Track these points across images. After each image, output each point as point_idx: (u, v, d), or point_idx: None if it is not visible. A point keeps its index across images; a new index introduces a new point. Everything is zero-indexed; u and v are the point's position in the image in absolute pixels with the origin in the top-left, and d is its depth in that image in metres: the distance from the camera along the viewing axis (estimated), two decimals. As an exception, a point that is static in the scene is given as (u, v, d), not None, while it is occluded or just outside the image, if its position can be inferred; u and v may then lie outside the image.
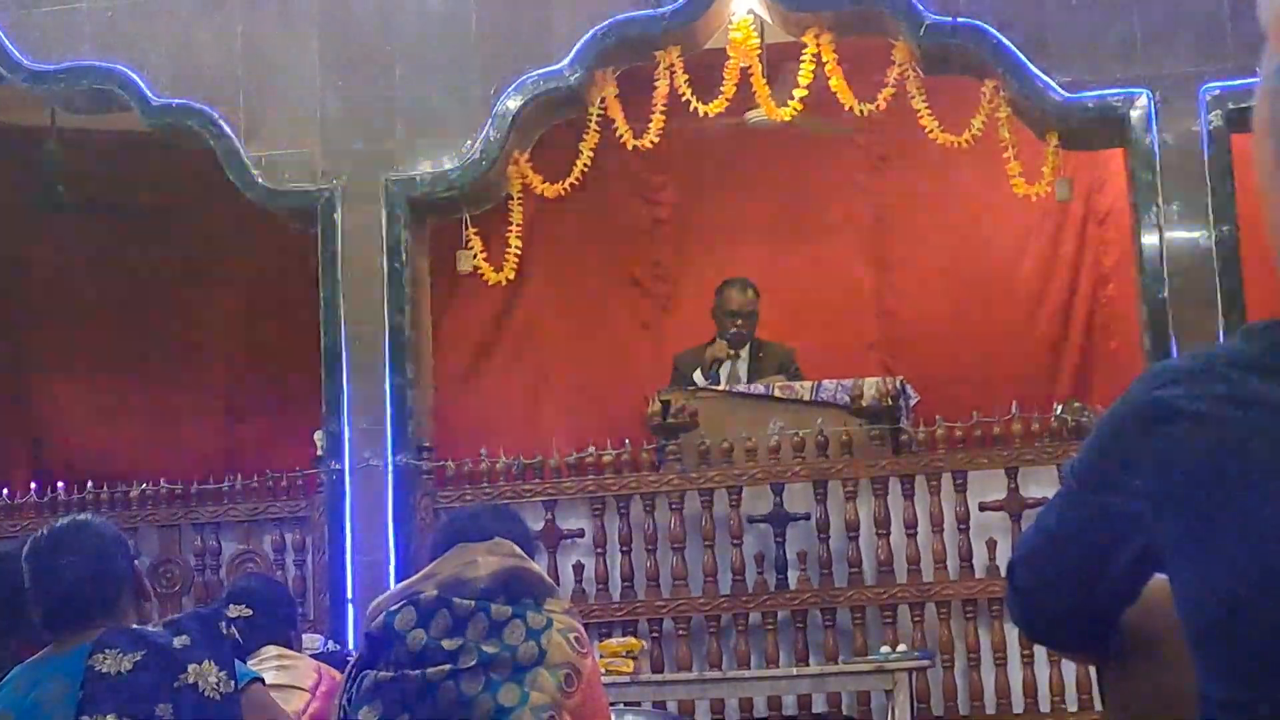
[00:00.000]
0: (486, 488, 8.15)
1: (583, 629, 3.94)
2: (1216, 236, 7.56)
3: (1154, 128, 7.70)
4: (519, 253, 8.41)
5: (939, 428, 7.94)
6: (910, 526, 7.83)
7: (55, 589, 3.74)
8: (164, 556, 8.44)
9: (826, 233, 10.73)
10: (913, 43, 7.95)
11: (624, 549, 8.09)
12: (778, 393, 8.50)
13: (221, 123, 8.38)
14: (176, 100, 8.43)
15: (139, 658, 3.59)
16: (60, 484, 8.74)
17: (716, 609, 7.95)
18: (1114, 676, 2.19)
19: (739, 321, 9.25)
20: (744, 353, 9.25)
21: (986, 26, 7.86)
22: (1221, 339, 7.18)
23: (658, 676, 7.74)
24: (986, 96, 8.02)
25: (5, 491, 8.79)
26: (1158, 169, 7.67)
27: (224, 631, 3.70)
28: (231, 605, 4.78)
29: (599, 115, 8.24)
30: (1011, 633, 7.59)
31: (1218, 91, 7.62)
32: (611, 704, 4.36)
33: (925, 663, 7.50)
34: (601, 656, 7.11)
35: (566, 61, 8.16)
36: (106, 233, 10.54)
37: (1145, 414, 1.72)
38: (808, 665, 7.78)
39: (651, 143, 8.30)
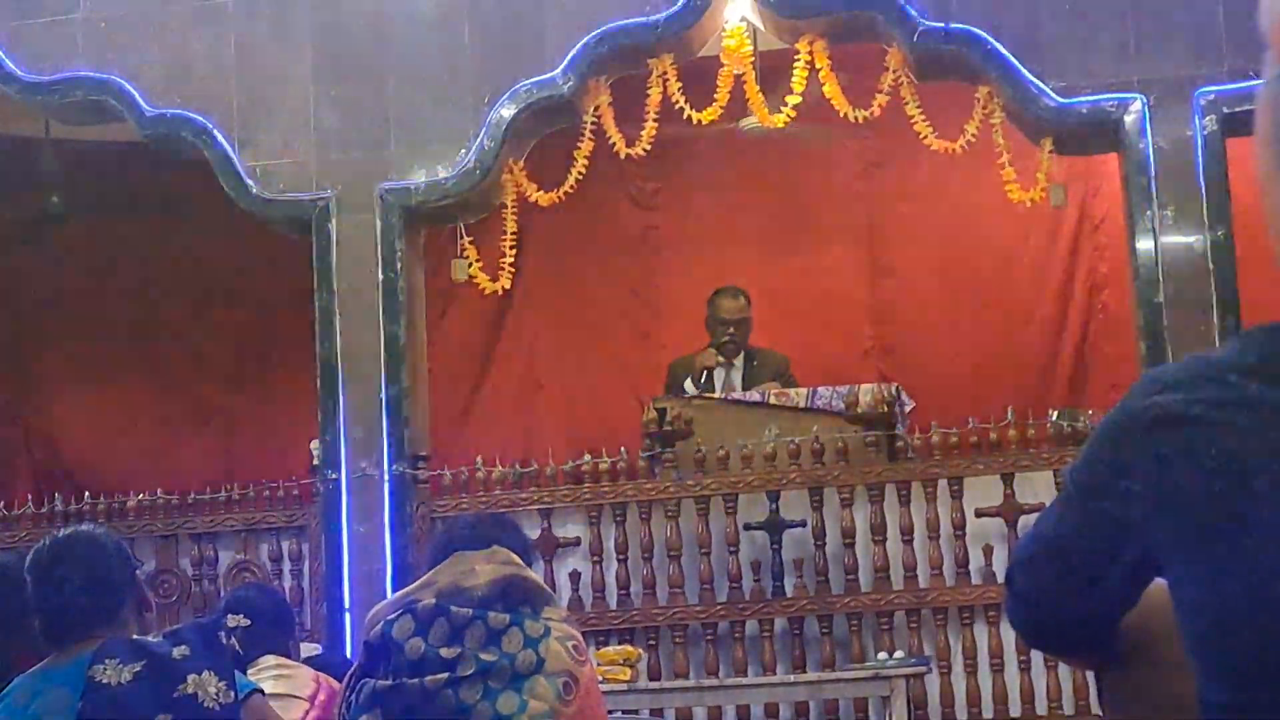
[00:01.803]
0: (483, 496, 8.15)
1: (580, 637, 3.95)
2: (1211, 241, 7.56)
3: (1148, 132, 7.69)
4: (514, 261, 8.40)
5: (935, 434, 7.95)
6: (906, 533, 7.84)
7: (56, 599, 3.75)
8: (161, 566, 8.43)
9: (821, 239, 10.74)
10: (906, 49, 7.96)
11: (620, 557, 8.08)
12: (773, 400, 8.51)
13: (216, 133, 8.38)
14: (171, 110, 8.43)
15: (139, 668, 3.60)
16: (58, 495, 8.74)
17: (713, 617, 7.95)
18: (1113, 681, 2.20)
19: (731, 330, 9.25)
20: (738, 361, 9.25)
21: (980, 32, 7.86)
22: (1217, 344, 7.19)
23: (655, 685, 7.74)
24: (980, 102, 8.02)
25: (3, 503, 8.78)
26: (1152, 174, 7.67)
27: (224, 642, 3.71)
28: (230, 615, 4.79)
29: (593, 123, 8.25)
30: (1008, 638, 7.59)
31: (1212, 96, 7.62)
32: (609, 712, 4.36)
33: (922, 669, 7.50)
34: (598, 665, 7.11)
35: (560, 70, 8.16)
36: (102, 244, 10.54)
37: (1143, 419, 1.72)
38: (804, 672, 7.78)
39: (645, 150, 8.30)
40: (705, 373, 9.16)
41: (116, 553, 3.86)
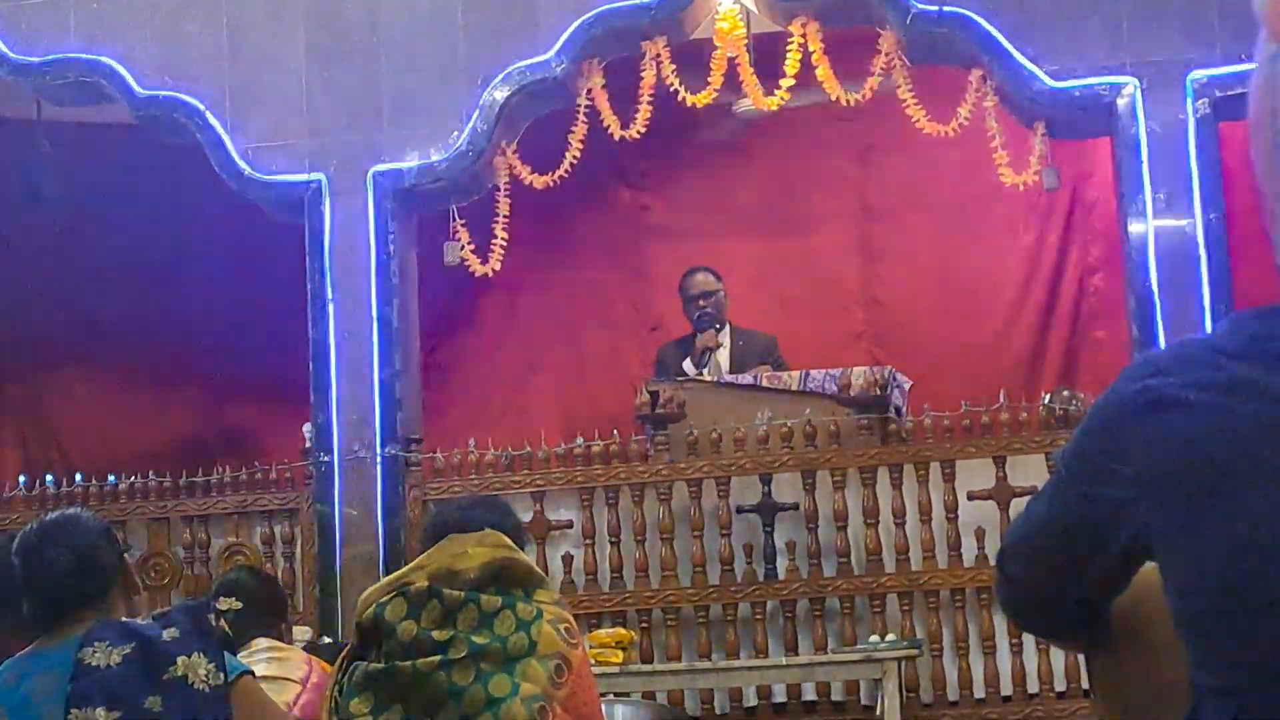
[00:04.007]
0: (475, 479, 8.15)
1: (572, 620, 3.95)
2: (1204, 225, 7.56)
3: (1141, 116, 7.70)
4: (506, 244, 8.40)
5: (927, 417, 7.95)
6: (899, 516, 7.84)
7: (44, 582, 3.75)
8: (153, 550, 8.42)
9: (814, 223, 10.72)
10: (899, 31, 7.95)
11: (613, 540, 8.08)
12: (766, 383, 8.50)
13: (208, 114, 8.38)
14: (163, 92, 8.42)
15: (128, 651, 3.60)
16: (49, 477, 8.74)
17: (705, 599, 7.95)
18: (1103, 664, 2.20)
19: (701, 302, 9.26)
20: (724, 339, 9.25)
21: (973, 15, 7.86)
22: (1209, 328, 7.19)
23: (647, 667, 7.75)
24: (973, 85, 8.02)
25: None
26: (1145, 157, 7.67)
27: (213, 624, 3.71)
28: (221, 598, 4.79)
29: (586, 106, 8.24)
30: (1000, 621, 7.59)
31: (1205, 79, 7.62)
32: (601, 695, 4.36)
33: (914, 651, 7.50)
34: (591, 647, 7.12)
35: (553, 52, 8.16)
36: (93, 226, 10.51)
37: (1135, 402, 1.73)
38: (797, 655, 7.79)
39: (639, 133, 8.30)
40: (705, 353, 9.15)
41: (102, 535, 3.86)
